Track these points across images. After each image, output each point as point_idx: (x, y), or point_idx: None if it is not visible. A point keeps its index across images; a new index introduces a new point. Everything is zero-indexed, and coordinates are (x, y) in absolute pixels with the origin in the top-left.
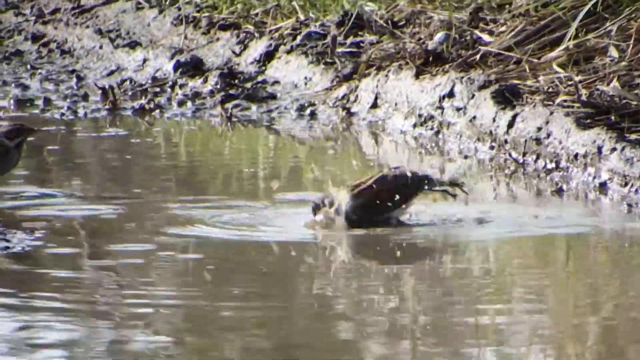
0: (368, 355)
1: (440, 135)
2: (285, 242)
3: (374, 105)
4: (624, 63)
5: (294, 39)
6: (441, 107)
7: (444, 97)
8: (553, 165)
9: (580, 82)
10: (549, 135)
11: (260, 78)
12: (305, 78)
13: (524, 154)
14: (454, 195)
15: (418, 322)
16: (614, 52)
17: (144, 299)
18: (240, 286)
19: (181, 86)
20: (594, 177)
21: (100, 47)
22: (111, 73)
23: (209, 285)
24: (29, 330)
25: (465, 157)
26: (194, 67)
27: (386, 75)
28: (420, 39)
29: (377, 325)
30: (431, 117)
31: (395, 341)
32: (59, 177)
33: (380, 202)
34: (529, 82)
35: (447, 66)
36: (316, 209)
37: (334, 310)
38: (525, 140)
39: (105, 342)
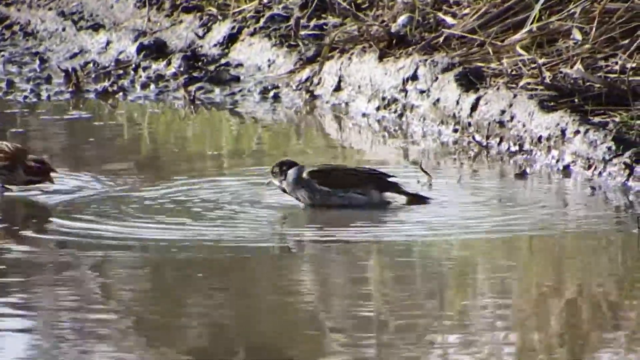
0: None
1: (403, 118)
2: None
3: (338, 88)
4: (587, 46)
5: (257, 21)
6: (405, 90)
7: (407, 79)
8: (517, 148)
9: (543, 64)
10: (512, 118)
11: (223, 61)
12: (269, 61)
13: (488, 137)
14: (419, 200)
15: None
16: (577, 35)
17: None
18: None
19: (144, 69)
20: (558, 160)
21: (64, 29)
22: (74, 55)
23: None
24: None
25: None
26: (157, 50)
27: (349, 58)
28: (383, 21)
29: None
30: (395, 100)
31: (360, 333)
32: None
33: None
34: (492, 65)
35: (410, 49)
36: (272, 173)
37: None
38: (489, 123)
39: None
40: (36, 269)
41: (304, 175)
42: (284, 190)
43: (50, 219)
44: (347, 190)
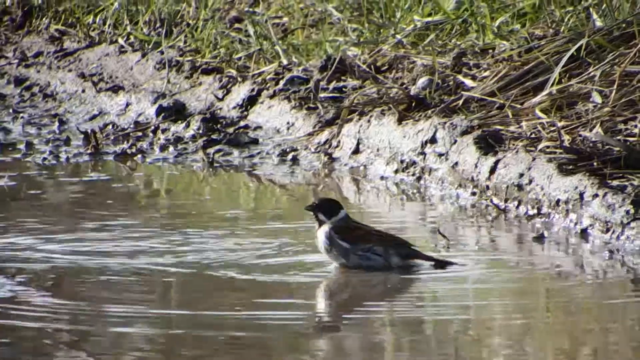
0: None
1: (422, 181)
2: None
3: (356, 151)
4: (607, 109)
5: (277, 83)
6: (423, 153)
7: (426, 142)
8: (535, 211)
9: (562, 127)
10: (530, 182)
11: (242, 123)
12: (288, 123)
13: (506, 200)
14: (442, 265)
15: None
16: (597, 98)
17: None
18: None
19: (163, 131)
20: (576, 223)
21: (83, 91)
22: (93, 117)
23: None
24: None
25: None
26: (177, 112)
27: (368, 121)
28: (403, 84)
29: None
30: (413, 163)
31: None
32: (40, 222)
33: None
34: (511, 128)
35: (429, 111)
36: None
37: None
38: (507, 186)
39: None
40: None
41: (329, 227)
42: (320, 224)
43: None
44: (368, 250)
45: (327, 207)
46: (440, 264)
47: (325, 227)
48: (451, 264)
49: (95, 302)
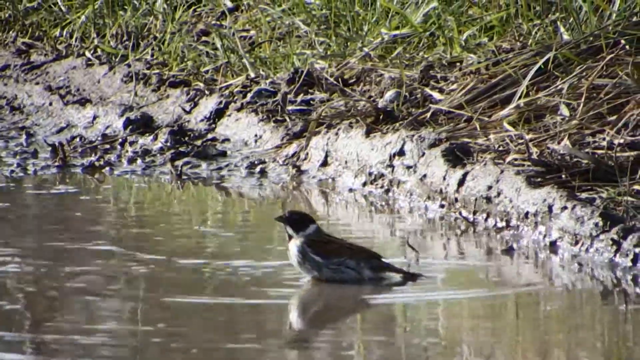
0: None
1: (390, 194)
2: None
3: (324, 163)
4: (574, 121)
5: (244, 96)
6: (391, 165)
7: (394, 155)
8: (503, 224)
9: (531, 140)
10: (499, 194)
11: (210, 135)
12: (256, 135)
13: (475, 213)
14: (412, 277)
15: None
16: (564, 111)
17: None
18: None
19: (131, 143)
20: (545, 236)
21: (50, 104)
22: (61, 130)
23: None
24: None
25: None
26: (144, 124)
27: (336, 133)
28: (370, 96)
29: None
30: (381, 175)
31: None
32: (6, 235)
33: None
34: (479, 141)
35: (397, 124)
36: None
37: None
38: (476, 199)
39: None
40: None
41: (300, 240)
42: (290, 238)
43: None
44: (340, 263)
45: (295, 221)
46: (410, 277)
47: (297, 241)
48: (420, 276)
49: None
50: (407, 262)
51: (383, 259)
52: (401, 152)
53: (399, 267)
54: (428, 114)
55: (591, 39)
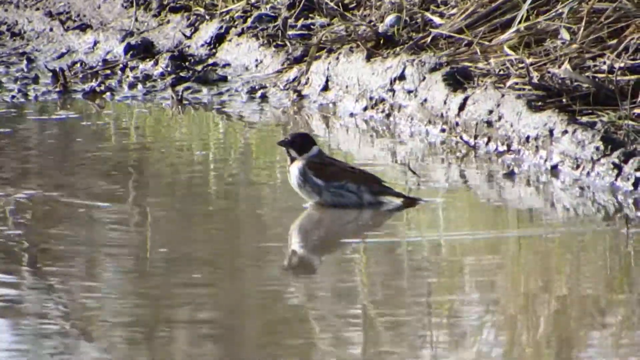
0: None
1: (391, 118)
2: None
3: (325, 88)
4: (575, 45)
5: (245, 21)
6: (392, 90)
7: (395, 79)
8: (505, 148)
9: (531, 64)
10: (500, 118)
11: (211, 61)
12: (256, 60)
13: (476, 137)
14: (412, 201)
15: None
16: (565, 35)
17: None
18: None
19: (132, 69)
20: (546, 160)
21: (51, 30)
22: (62, 55)
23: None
24: None
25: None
26: (145, 50)
27: (337, 58)
28: (371, 21)
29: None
30: (382, 100)
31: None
32: (9, 160)
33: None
34: (480, 65)
35: (398, 49)
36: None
37: None
38: (477, 123)
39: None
40: None
41: (302, 162)
42: (293, 160)
43: None
44: (341, 187)
45: (299, 143)
46: (410, 201)
47: (299, 163)
48: (420, 200)
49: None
50: (408, 186)
51: (383, 183)
52: (402, 77)
53: (399, 191)
54: (428, 39)
55: None
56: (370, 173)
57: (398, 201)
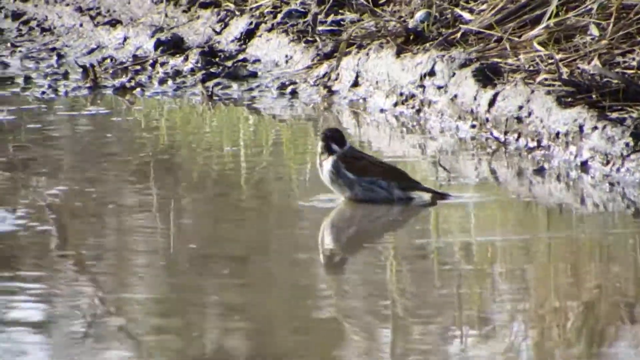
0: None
1: (421, 114)
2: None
3: (355, 84)
4: (604, 41)
5: (275, 17)
6: (422, 86)
7: (424, 75)
8: (534, 143)
9: (561, 60)
10: (530, 114)
11: (241, 56)
12: (286, 56)
13: (506, 133)
14: (441, 197)
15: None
16: (594, 31)
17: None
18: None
19: (162, 64)
20: (576, 156)
21: (81, 25)
22: (92, 51)
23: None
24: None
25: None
26: (175, 46)
27: (367, 54)
28: (401, 17)
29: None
30: (412, 96)
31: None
32: (39, 157)
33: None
34: (509, 61)
35: (428, 45)
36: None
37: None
38: (507, 119)
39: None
40: None
41: (334, 157)
42: (331, 153)
43: None
44: (372, 182)
45: (338, 137)
46: (439, 196)
47: (331, 158)
48: (449, 196)
49: (101, 236)
50: (438, 182)
51: (412, 179)
52: (432, 73)
53: (428, 186)
54: (458, 34)
55: None
56: (399, 169)
57: (427, 197)
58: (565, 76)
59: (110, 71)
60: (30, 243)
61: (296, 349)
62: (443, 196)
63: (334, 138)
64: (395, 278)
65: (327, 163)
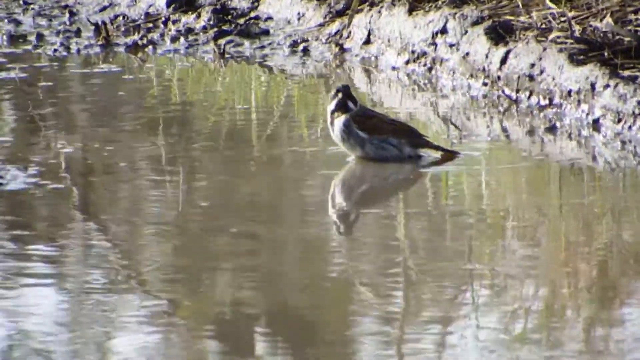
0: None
1: (433, 72)
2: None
3: (367, 42)
4: None
5: None
6: (434, 44)
7: (437, 33)
8: (546, 102)
9: (573, 18)
10: (542, 72)
11: (253, 14)
12: (298, 14)
13: (517, 91)
14: (452, 154)
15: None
16: None
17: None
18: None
19: (174, 22)
20: (588, 114)
21: None
22: (104, 9)
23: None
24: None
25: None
26: (187, 3)
27: (379, 11)
28: None
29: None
30: (424, 54)
31: (389, 264)
32: (52, 114)
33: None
34: (522, 18)
35: (440, 2)
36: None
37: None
38: (519, 77)
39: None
40: None
41: (346, 116)
42: (346, 111)
43: None
44: (383, 140)
45: (352, 96)
46: (450, 154)
47: (343, 117)
48: (459, 154)
49: (109, 190)
50: (450, 140)
51: (423, 136)
52: (444, 30)
53: (437, 144)
54: None
55: None
56: (410, 126)
57: (437, 154)
58: (577, 34)
59: (122, 29)
60: (41, 201)
61: (306, 302)
62: (454, 154)
63: (350, 95)
64: (406, 235)
65: (339, 121)
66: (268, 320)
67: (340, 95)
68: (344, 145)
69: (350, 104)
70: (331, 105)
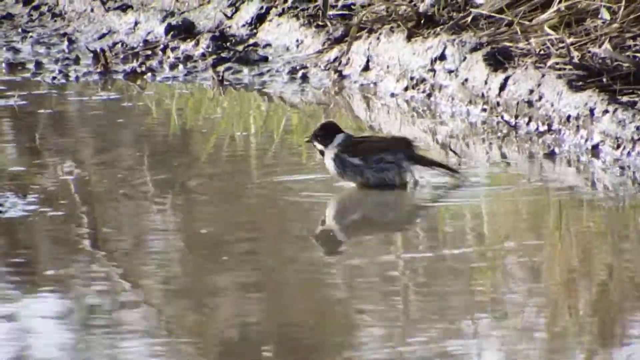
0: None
1: (432, 98)
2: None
3: (366, 68)
4: (615, 25)
5: (286, 1)
6: (433, 70)
7: (435, 59)
8: (545, 127)
9: (572, 44)
10: (540, 98)
11: (251, 41)
12: (297, 41)
13: (516, 117)
14: (453, 172)
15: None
16: (605, 14)
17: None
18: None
19: (173, 49)
20: (587, 140)
21: (92, 10)
22: (102, 36)
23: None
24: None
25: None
26: (186, 30)
27: (378, 38)
28: (411, 1)
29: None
30: (423, 80)
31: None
32: (51, 142)
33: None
34: (520, 45)
35: (438, 29)
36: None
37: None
38: (517, 103)
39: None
40: None
41: (333, 151)
42: (322, 154)
43: None
44: (379, 160)
45: (321, 136)
46: (450, 171)
47: (331, 153)
48: (457, 171)
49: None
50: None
51: (416, 144)
52: (442, 57)
53: (439, 161)
54: (469, 19)
55: None
56: (401, 136)
57: (436, 174)
58: (576, 60)
59: (121, 56)
60: (41, 228)
61: (310, 324)
62: (453, 172)
63: (316, 137)
64: (405, 262)
65: (328, 160)
66: (268, 344)
67: (320, 133)
68: (344, 178)
69: (319, 145)
70: (318, 146)
